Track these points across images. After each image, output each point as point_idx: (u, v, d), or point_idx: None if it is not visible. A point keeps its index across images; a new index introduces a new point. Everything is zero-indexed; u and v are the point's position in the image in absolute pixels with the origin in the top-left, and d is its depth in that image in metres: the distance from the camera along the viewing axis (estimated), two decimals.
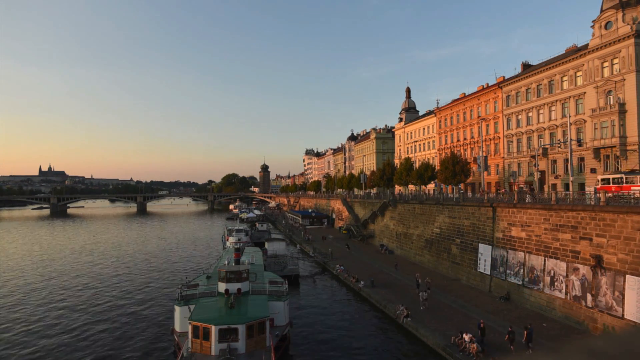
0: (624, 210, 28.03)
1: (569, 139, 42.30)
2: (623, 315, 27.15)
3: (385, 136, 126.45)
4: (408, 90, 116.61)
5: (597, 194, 32.05)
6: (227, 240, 75.47)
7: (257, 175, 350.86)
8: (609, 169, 48.00)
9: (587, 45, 51.43)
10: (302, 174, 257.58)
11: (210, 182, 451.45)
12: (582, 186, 49.42)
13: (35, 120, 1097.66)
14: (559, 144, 53.74)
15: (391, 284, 45.67)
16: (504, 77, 69.72)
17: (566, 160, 52.40)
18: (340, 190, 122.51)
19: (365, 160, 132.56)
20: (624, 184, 35.81)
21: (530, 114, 61.25)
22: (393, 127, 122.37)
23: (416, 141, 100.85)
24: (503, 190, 61.06)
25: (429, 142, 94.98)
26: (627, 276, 27.06)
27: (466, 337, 27.51)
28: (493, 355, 26.21)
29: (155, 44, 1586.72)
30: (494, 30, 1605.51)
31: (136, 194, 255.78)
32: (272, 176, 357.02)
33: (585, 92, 51.08)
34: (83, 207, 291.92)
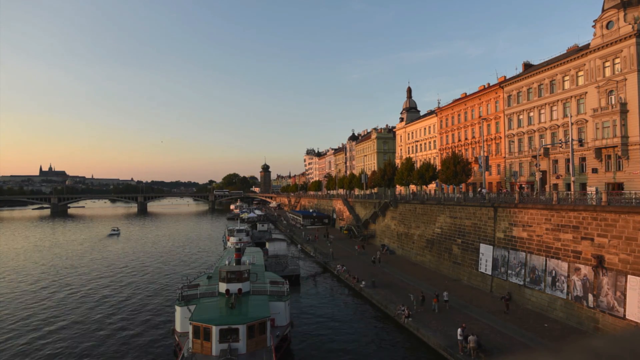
0: (625, 211, 27.96)
1: (570, 138, 42.24)
2: (625, 315, 27.08)
3: (386, 136, 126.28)
4: (409, 90, 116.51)
5: (599, 194, 31.99)
6: (228, 240, 75.47)
7: (258, 175, 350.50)
8: (611, 169, 47.89)
9: (588, 45, 51.30)
10: (303, 174, 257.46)
11: (211, 182, 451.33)
12: (583, 186, 49.32)
13: (36, 120, 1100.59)
14: (560, 143, 53.62)
15: (392, 284, 45.58)
16: (505, 76, 69.58)
17: (567, 160, 52.26)
18: (341, 190, 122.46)
19: (366, 160, 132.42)
20: None
21: (531, 114, 61.12)
22: (394, 127, 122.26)
23: (417, 141, 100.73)
24: (505, 190, 60.92)
25: (430, 142, 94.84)
26: (629, 276, 26.99)
27: (470, 338, 27.47)
28: (493, 355, 26.15)
29: (156, 45, 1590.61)
30: (479, 32, 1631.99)
31: (137, 194, 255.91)
32: (273, 176, 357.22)
33: (586, 92, 50.94)
34: (84, 207, 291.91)
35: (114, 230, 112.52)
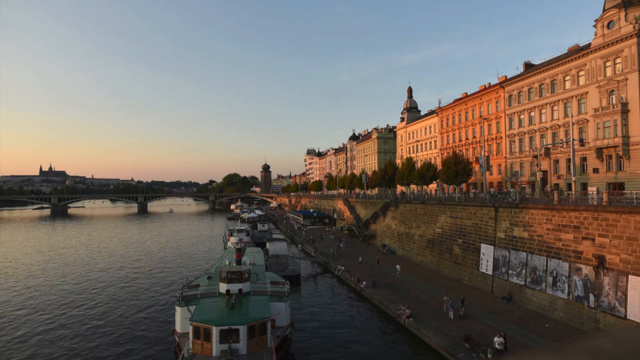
0: (626, 210, 27.88)
1: (571, 138, 42.12)
2: (626, 315, 27.02)
3: (387, 136, 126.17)
4: (410, 90, 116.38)
5: (600, 194, 31.92)
6: (229, 240, 75.43)
7: (259, 175, 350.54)
8: (612, 168, 47.82)
9: (589, 44, 51.21)
10: (303, 174, 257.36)
11: (211, 182, 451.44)
12: (584, 186, 49.23)
13: (36, 120, 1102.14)
14: (561, 143, 53.52)
15: (393, 284, 45.51)
16: (505, 76, 69.48)
17: (569, 160, 52.19)
18: (341, 190, 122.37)
19: (367, 160, 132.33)
20: None
21: (532, 114, 61.04)
22: (395, 127, 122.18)
23: (418, 141, 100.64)
24: (505, 189, 60.82)
25: (430, 142, 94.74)
26: (630, 276, 26.92)
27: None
28: (495, 355, 26.09)
29: (157, 45, 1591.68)
30: (465, 34, 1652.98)
31: (137, 194, 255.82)
32: (274, 176, 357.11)
33: (587, 92, 50.86)
34: (84, 207, 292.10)
35: (170, 210, 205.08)
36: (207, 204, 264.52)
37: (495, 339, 27.17)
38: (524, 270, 36.94)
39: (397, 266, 50.25)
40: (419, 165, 79.74)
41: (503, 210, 40.77)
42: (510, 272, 38.68)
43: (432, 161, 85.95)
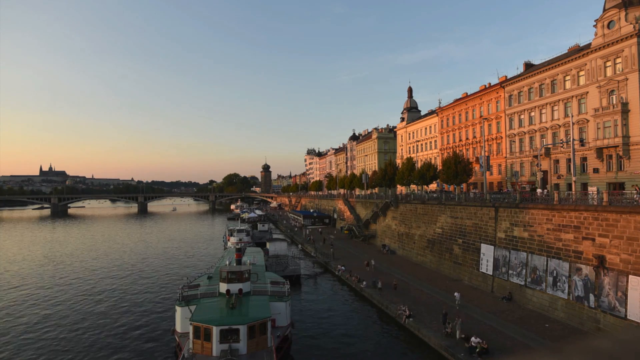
0: (626, 210, 27.87)
1: (571, 138, 42.06)
2: (626, 315, 27.02)
3: (387, 136, 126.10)
4: (410, 90, 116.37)
5: (600, 194, 31.90)
6: (229, 240, 75.43)
7: (259, 175, 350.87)
8: (612, 168, 47.81)
9: (589, 44, 51.20)
10: (303, 174, 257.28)
11: (211, 182, 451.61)
12: (585, 186, 49.21)
13: (36, 120, 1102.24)
14: (561, 143, 53.49)
15: (393, 284, 45.44)
16: (506, 76, 69.45)
17: (569, 160, 52.16)
18: (342, 190, 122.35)
19: (367, 160, 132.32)
20: None
21: (532, 114, 61.02)
22: (395, 127, 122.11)
23: (418, 141, 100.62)
24: (506, 189, 60.80)
25: (431, 142, 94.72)
26: (630, 276, 26.92)
27: (474, 339, 27.45)
28: (495, 356, 26.09)
29: (156, 45, 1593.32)
30: (464, 35, 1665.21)
31: (137, 194, 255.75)
32: (274, 176, 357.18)
33: (587, 92, 50.84)
34: (84, 207, 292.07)
35: (173, 208, 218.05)
36: (207, 204, 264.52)
37: (472, 338, 27.50)
38: (524, 270, 36.94)
39: (456, 294, 38.17)
40: (419, 165, 79.70)
41: (503, 210, 40.76)
42: (510, 272, 38.68)
43: (432, 161, 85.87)
